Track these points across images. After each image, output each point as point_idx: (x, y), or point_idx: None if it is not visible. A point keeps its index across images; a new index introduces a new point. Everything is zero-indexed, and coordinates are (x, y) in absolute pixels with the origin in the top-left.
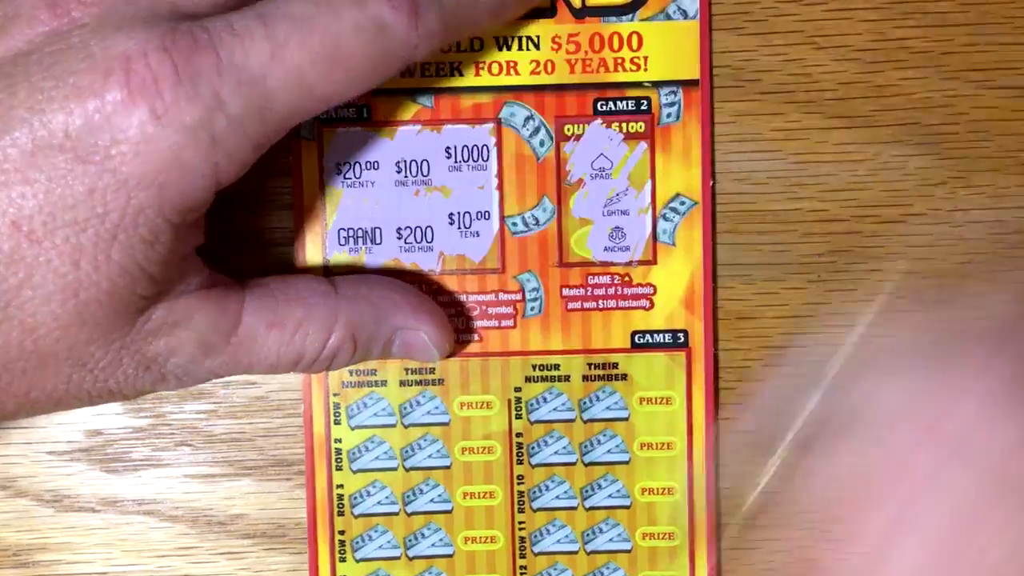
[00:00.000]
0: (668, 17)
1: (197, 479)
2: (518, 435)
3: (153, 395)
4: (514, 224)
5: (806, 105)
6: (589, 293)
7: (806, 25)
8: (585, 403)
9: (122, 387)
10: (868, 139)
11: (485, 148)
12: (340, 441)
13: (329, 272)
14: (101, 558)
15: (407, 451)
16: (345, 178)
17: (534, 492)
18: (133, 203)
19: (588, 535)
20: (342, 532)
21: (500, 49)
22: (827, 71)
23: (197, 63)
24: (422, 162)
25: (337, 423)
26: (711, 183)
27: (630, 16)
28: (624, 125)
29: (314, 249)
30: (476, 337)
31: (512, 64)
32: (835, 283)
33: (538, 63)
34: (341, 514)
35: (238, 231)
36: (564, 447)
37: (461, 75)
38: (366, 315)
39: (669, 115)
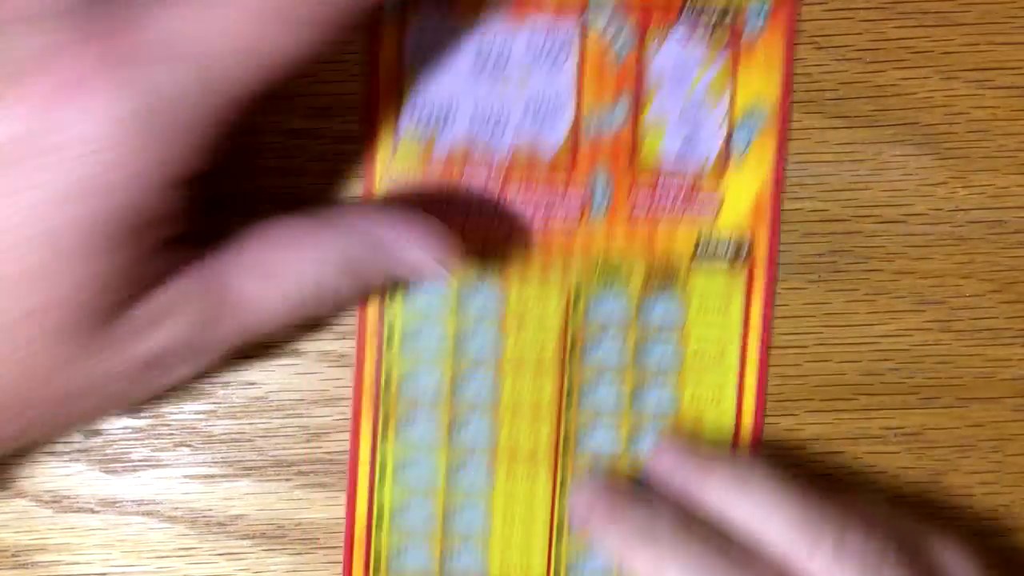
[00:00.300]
0: None
1: (196, 480)
2: (573, 332)
3: None
4: (588, 123)
5: (806, 105)
6: (657, 198)
7: (806, 25)
8: (643, 306)
9: (128, 392)
10: (868, 139)
11: (566, 44)
12: (393, 322)
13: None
14: (100, 559)
15: (459, 338)
16: (423, 62)
17: (583, 390)
18: (82, 214)
19: (633, 437)
20: (386, 413)
21: None
22: (827, 71)
23: (121, 46)
24: (501, 52)
25: (391, 303)
26: (789, 99)
27: None
28: (709, 33)
29: (386, 125)
30: (540, 231)
31: None
32: (835, 283)
33: None
34: (388, 395)
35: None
36: (617, 349)
37: None
38: (362, 244)
39: (754, 27)
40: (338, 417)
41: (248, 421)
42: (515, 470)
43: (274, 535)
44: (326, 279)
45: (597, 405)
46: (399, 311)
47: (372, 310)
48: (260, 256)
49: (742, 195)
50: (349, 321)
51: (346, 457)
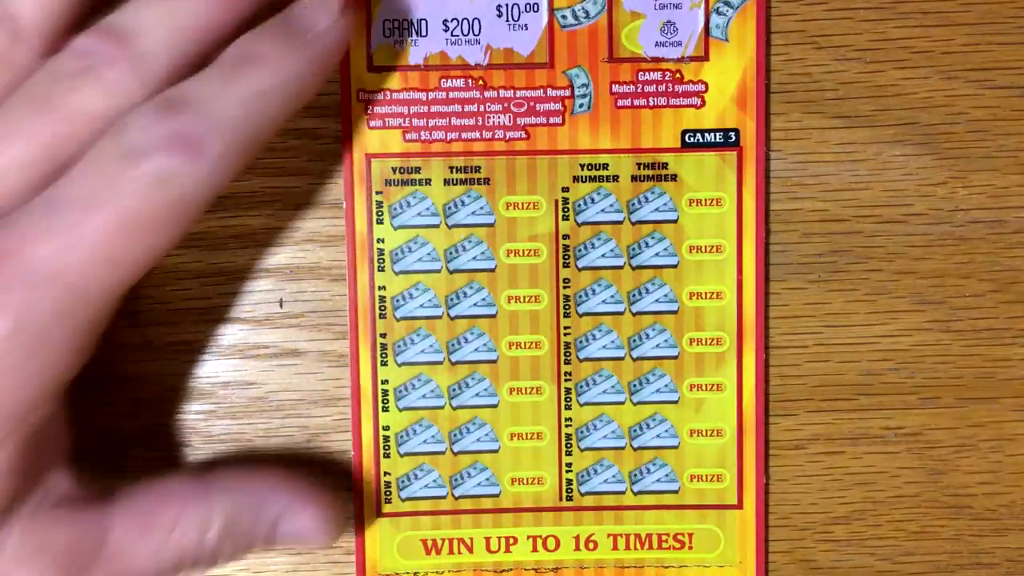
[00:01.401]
0: None
1: None
2: (564, 237)
3: None
4: (563, 17)
5: (806, 105)
6: (639, 90)
7: (806, 25)
8: (633, 204)
9: None
10: (868, 139)
11: None
12: (383, 241)
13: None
14: None
15: (451, 252)
16: None
17: (580, 296)
18: None
19: (634, 341)
20: (383, 335)
21: None
22: (827, 71)
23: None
24: None
25: (380, 222)
26: None
27: None
28: None
29: (358, 40)
30: (523, 135)
31: None
32: (835, 283)
33: None
34: (383, 316)
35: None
36: (611, 250)
37: None
38: (242, 505)
39: None
40: (338, 417)
41: (248, 421)
42: (518, 384)
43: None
44: (206, 541)
45: (595, 310)
46: (387, 230)
47: (360, 228)
48: (144, 509)
49: (726, 81)
50: (347, 320)
51: (346, 457)
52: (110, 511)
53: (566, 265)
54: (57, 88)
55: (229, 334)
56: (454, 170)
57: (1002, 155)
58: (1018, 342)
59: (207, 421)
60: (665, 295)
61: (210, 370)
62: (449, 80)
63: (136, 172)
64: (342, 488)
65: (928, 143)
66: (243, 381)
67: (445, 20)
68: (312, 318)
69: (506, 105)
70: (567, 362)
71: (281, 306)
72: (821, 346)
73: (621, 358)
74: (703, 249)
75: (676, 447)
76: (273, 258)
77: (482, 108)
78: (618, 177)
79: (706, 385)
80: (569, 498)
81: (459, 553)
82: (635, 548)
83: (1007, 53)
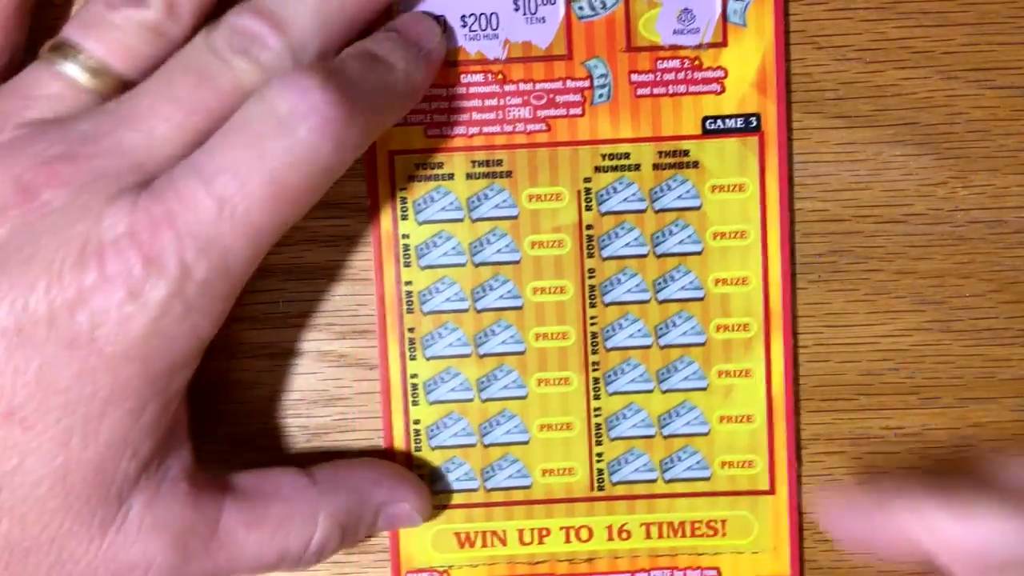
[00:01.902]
0: None
1: None
2: (588, 227)
3: None
4: (580, 8)
5: (806, 105)
6: (659, 78)
7: (806, 25)
8: (656, 192)
9: None
10: (868, 139)
11: None
12: (408, 237)
13: None
14: None
15: (475, 246)
16: None
17: (605, 286)
18: (120, 378)
19: (661, 329)
20: (411, 329)
21: None
22: (827, 71)
23: (159, 241)
24: None
25: (404, 218)
26: None
27: None
28: None
29: None
30: (544, 127)
31: None
32: (835, 283)
33: None
34: (410, 312)
35: None
36: (635, 239)
37: None
38: (350, 502)
39: None
40: (338, 417)
41: (248, 421)
42: (546, 375)
43: None
44: (314, 536)
45: (621, 299)
46: (412, 225)
47: (385, 225)
48: (254, 504)
49: (745, 66)
50: (347, 320)
51: (346, 456)
52: (222, 501)
53: (590, 255)
54: (214, 61)
55: (229, 334)
56: (476, 164)
57: (1002, 155)
58: (1018, 342)
59: (207, 421)
60: (691, 282)
61: (210, 370)
62: (469, 75)
63: (288, 141)
64: None
65: (928, 143)
66: (243, 381)
67: (463, 15)
68: (312, 318)
69: (526, 98)
70: (594, 352)
71: (281, 306)
72: (821, 346)
73: (648, 347)
74: (727, 235)
75: (706, 434)
76: (273, 258)
77: (502, 102)
78: (640, 166)
79: (735, 371)
80: (601, 488)
81: (492, 546)
82: (668, 536)
83: (1007, 53)
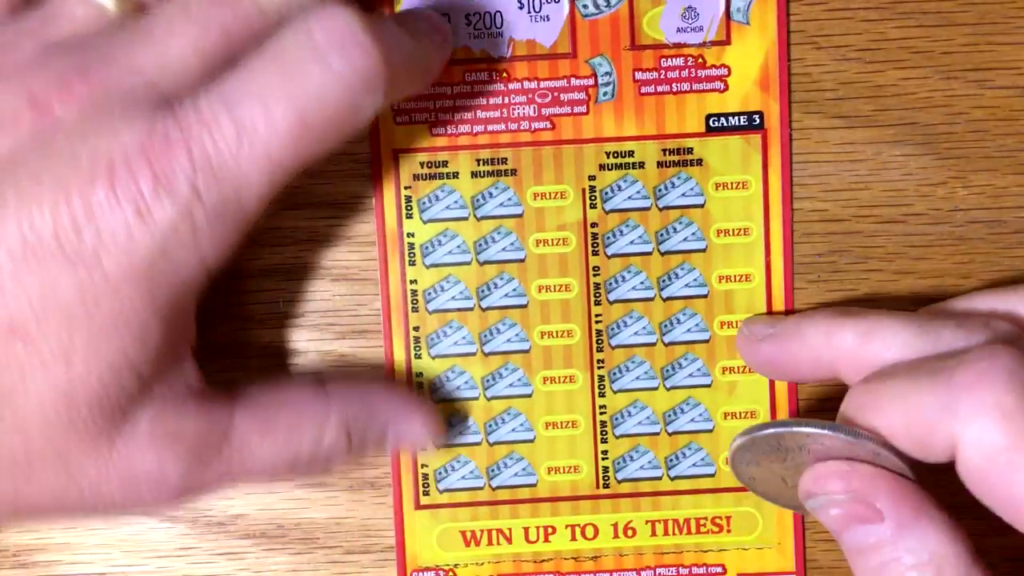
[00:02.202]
0: None
1: None
2: (593, 225)
3: None
4: (584, 6)
5: (806, 105)
6: (662, 76)
7: (806, 25)
8: (660, 190)
9: (110, 508)
10: (868, 139)
11: None
12: (412, 235)
13: None
14: (101, 558)
15: (480, 244)
16: None
17: (610, 284)
18: (123, 299)
19: (665, 326)
20: (416, 328)
21: None
22: (827, 71)
23: (172, 161)
24: None
25: (409, 216)
26: None
27: None
28: None
29: None
30: (548, 125)
31: None
32: (835, 283)
33: None
34: (415, 310)
35: None
36: (639, 236)
37: None
38: (358, 411)
39: None
40: None
41: None
42: (551, 373)
43: (274, 535)
44: (323, 443)
45: (626, 296)
46: (417, 224)
47: (390, 224)
48: (265, 412)
49: (749, 64)
50: (348, 320)
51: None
52: (232, 409)
53: (595, 253)
54: None
55: (229, 334)
56: (481, 162)
57: (1001, 155)
58: None
59: None
60: (695, 279)
61: (211, 370)
62: (473, 73)
63: (321, 73)
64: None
65: (928, 143)
66: (245, 381)
67: (467, 14)
68: (312, 318)
69: (530, 96)
70: (599, 350)
71: (281, 306)
72: None
73: (653, 344)
74: (731, 232)
75: (711, 431)
76: (273, 258)
77: (507, 100)
78: (644, 164)
79: (739, 368)
80: (606, 485)
81: (498, 544)
82: (673, 533)
83: (1007, 53)
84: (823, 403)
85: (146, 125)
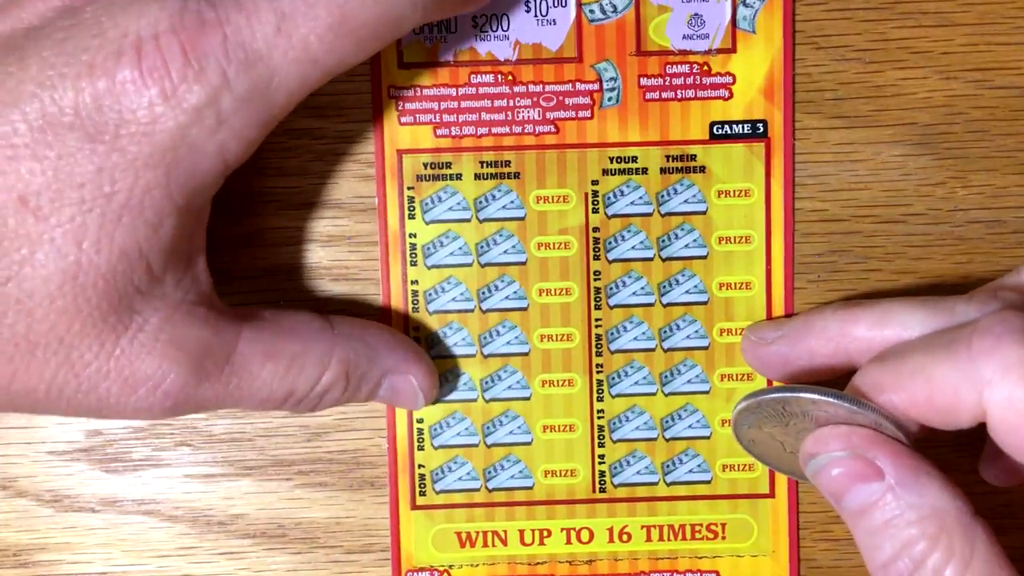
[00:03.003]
0: None
1: (197, 479)
2: (595, 229)
3: None
4: (591, 11)
5: (805, 105)
6: (667, 83)
7: (806, 25)
8: (663, 196)
9: (103, 405)
10: (867, 139)
11: None
12: (415, 236)
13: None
14: (101, 558)
15: (482, 246)
16: None
17: (611, 288)
18: (140, 183)
19: (665, 332)
20: (416, 329)
21: None
22: (827, 71)
23: (205, 44)
24: None
25: (411, 217)
26: None
27: None
28: None
29: None
30: (552, 129)
31: None
32: (835, 283)
33: None
34: (416, 311)
35: None
36: (641, 242)
37: None
38: (360, 354)
39: None
40: (338, 417)
41: (248, 420)
42: (550, 376)
43: (274, 534)
44: (322, 381)
45: (626, 302)
46: (419, 225)
47: (392, 224)
48: (270, 338)
49: (754, 73)
50: None
51: (346, 456)
52: (240, 328)
53: (596, 257)
54: None
55: None
56: (485, 165)
57: (1001, 155)
58: None
59: (207, 420)
60: (695, 286)
61: None
62: (479, 76)
63: None
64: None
65: (927, 143)
66: None
67: (474, 16)
68: None
69: (535, 100)
70: (598, 354)
71: (281, 306)
72: None
73: (652, 349)
74: (732, 240)
75: (708, 437)
76: (273, 258)
77: (511, 103)
78: (647, 169)
79: (737, 375)
80: (602, 490)
81: (493, 546)
82: (669, 539)
83: (1006, 53)
84: None
85: (179, 4)
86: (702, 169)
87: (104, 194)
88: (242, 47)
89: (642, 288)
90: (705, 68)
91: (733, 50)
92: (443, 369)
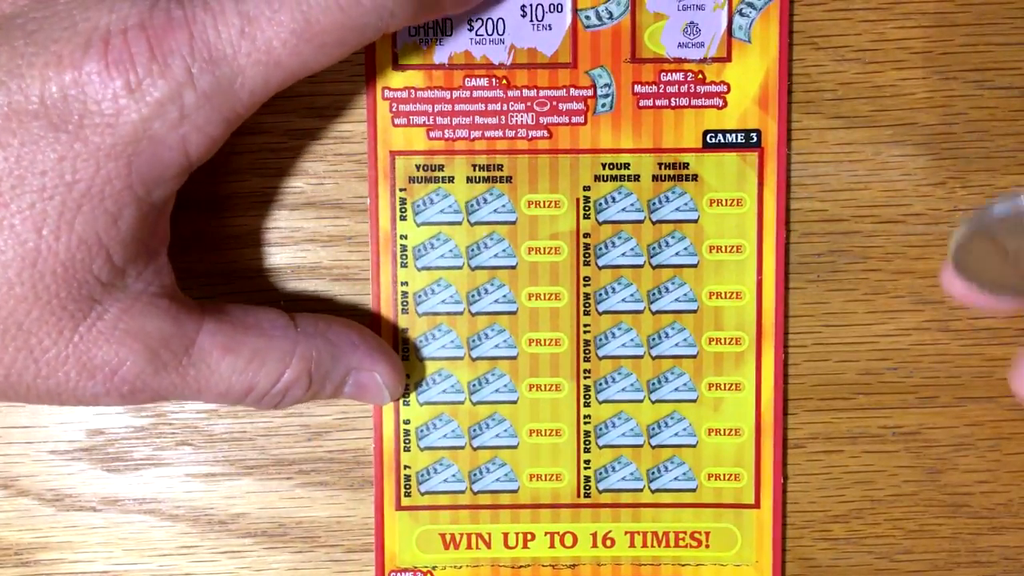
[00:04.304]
0: None
1: (198, 478)
2: (585, 235)
3: None
4: (587, 17)
5: (805, 105)
6: (661, 90)
7: (806, 25)
8: (654, 204)
9: (62, 391)
10: (867, 139)
11: None
12: (406, 237)
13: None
14: (102, 557)
15: (473, 249)
16: None
17: (600, 294)
18: (102, 173)
19: (653, 339)
20: (405, 330)
21: None
22: (826, 71)
23: (171, 41)
24: None
25: (403, 219)
26: None
27: None
28: None
29: (383, 39)
30: (546, 134)
31: None
32: (834, 283)
33: None
34: (405, 312)
35: None
36: (631, 249)
37: None
38: (323, 352)
39: None
40: (338, 416)
41: (249, 420)
42: (538, 381)
43: (275, 533)
44: (283, 378)
45: (615, 308)
46: (411, 226)
47: (384, 225)
48: (232, 332)
49: (748, 82)
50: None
51: (346, 455)
52: (201, 321)
53: (586, 263)
54: None
55: None
56: (477, 168)
57: (1000, 155)
58: (1016, 341)
59: (208, 420)
60: (685, 294)
61: None
62: (473, 79)
63: None
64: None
65: (926, 143)
66: None
67: (470, 20)
68: None
69: (529, 104)
70: (586, 359)
71: (281, 306)
72: (820, 345)
73: (640, 356)
74: (723, 249)
75: (694, 446)
76: (273, 258)
77: (505, 107)
78: (639, 176)
79: (725, 384)
80: (587, 495)
81: (477, 548)
82: (652, 546)
83: (1005, 54)
84: (821, 403)
85: (149, 1)
86: (694, 177)
87: (65, 183)
88: (207, 46)
89: (632, 295)
90: (700, 76)
91: (728, 59)
92: (431, 371)
